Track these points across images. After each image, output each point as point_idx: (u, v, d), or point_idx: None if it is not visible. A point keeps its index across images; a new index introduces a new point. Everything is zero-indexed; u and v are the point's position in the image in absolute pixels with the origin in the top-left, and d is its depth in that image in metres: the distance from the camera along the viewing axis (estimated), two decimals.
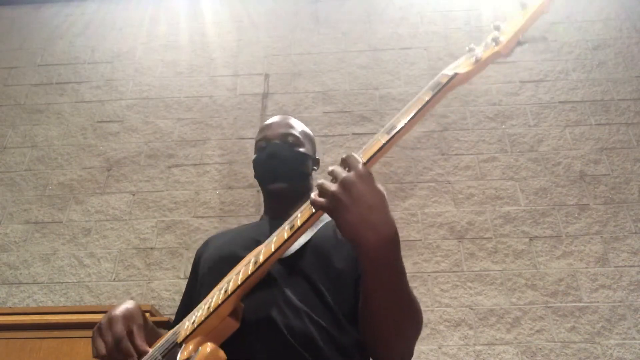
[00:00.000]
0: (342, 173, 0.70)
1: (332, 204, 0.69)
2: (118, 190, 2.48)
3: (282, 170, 1.08)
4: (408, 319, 0.80)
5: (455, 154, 2.46)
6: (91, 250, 2.30)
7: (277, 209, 1.10)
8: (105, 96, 2.83)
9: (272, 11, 3.13)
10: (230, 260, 0.91)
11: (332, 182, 0.71)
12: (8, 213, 2.44)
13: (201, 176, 2.49)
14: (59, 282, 2.21)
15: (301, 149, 1.13)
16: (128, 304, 0.85)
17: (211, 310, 0.75)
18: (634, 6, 2.91)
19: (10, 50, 3.08)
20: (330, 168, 0.73)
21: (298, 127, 1.18)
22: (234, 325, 0.75)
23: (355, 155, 0.72)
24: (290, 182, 1.08)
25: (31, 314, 1.88)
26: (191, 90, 2.81)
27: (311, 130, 1.24)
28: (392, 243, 0.71)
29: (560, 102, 2.58)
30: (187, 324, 0.80)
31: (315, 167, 1.20)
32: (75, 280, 2.21)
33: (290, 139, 1.12)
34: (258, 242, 0.94)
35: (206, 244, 1.14)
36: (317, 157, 1.22)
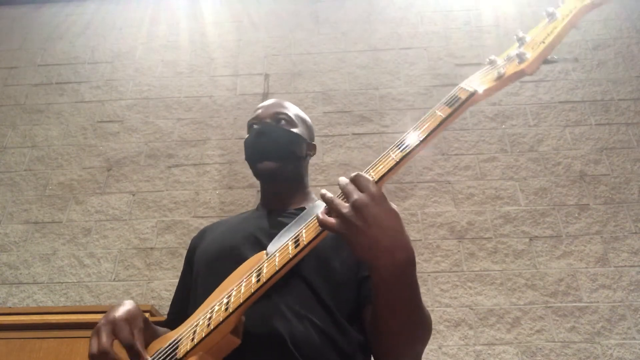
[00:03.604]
0: (354, 194, 0.66)
1: (343, 227, 0.66)
2: (118, 190, 2.48)
3: (271, 148, 1.03)
4: (419, 333, 0.79)
5: (455, 154, 2.45)
6: (91, 250, 2.30)
7: (271, 196, 1.07)
8: (105, 96, 2.83)
9: (272, 11, 3.13)
10: (228, 259, 0.89)
11: (342, 201, 0.68)
12: (8, 213, 2.44)
13: (201, 176, 2.49)
14: (59, 282, 2.21)
15: (293, 129, 1.08)
16: (129, 306, 0.81)
17: (212, 327, 0.73)
18: (634, 6, 2.91)
19: (10, 50, 3.08)
20: (340, 183, 0.70)
21: (292, 109, 1.13)
22: (235, 341, 0.74)
23: (366, 175, 0.69)
24: (280, 162, 1.03)
25: (31, 314, 1.88)
26: (191, 90, 2.81)
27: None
28: (408, 266, 0.68)
29: (560, 102, 2.58)
30: (187, 338, 0.78)
31: (311, 153, 1.15)
32: (75, 280, 2.21)
33: (282, 117, 1.08)
34: (256, 238, 0.92)
35: (202, 234, 1.11)
36: (313, 143, 1.17)
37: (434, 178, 2.39)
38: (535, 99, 2.60)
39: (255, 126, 1.09)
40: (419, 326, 0.78)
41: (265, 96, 2.73)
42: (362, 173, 0.69)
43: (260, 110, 1.11)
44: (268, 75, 2.83)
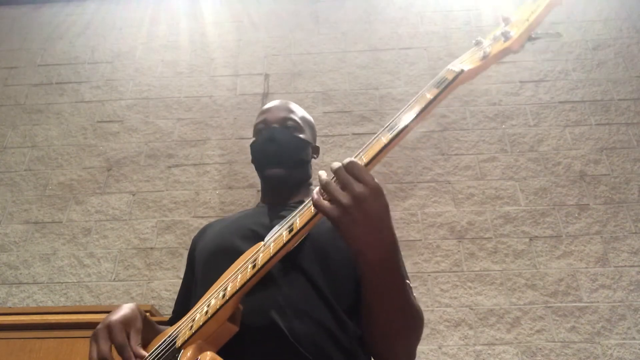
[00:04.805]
0: (355, 186, 0.67)
1: (340, 214, 0.66)
2: (118, 190, 2.48)
3: (280, 155, 1.05)
4: (410, 323, 0.80)
5: (455, 154, 2.46)
6: (91, 250, 2.30)
7: (275, 195, 1.07)
8: (105, 96, 2.83)
9: (272, 11, 3.13)
10: (227, 254, 0.89)
11: (340, 189, 0.68)
12: (8, 213, 2.44)
13: (201, 176, 2.49)
14: (59, 282, 2.21)
15: (301, 135, 1.09)
16: (125, 309, 0.83)
17: (209, 315, 0.74)
18: (634, 6, 2.91)
19: (10, 50, 3.08)
20: (333, 167, 0.69)
21: (298, 112, 1.14)
22: (233, 329, 0.75)
23: (361, 165, 0.69)
24: (289, 169, 1.05)
25: (31, 314, 1.88)
26: (191, 90, 2.81)
27: None
28: (394, 254, 0.72)
29: (560, 102, 2.58)
30: (185, 328, 0.78)
31: (315, 155, 1.17)
32: (75, 280, 2.21)
33: (290, 124, 1.09)
34: (255, 232, 0.92)
35: (202, 232, 1.11)
36: (317, 145, 1.18)
37: (434, 178, 2.39)
38: (535, 99, 2.60)
39: (263, 130, 1.09)
40: (408, 315, 0.79)
41: (265, 96, 2.73)
42: (357, 161, 0.69)
43: (267, 114, 1.11)
44: (268, 75, 2.83)
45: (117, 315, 0.81)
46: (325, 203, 0.68)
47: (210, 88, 2.81)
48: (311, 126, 1.17)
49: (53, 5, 3.30)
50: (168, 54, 2.98)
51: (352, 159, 0.70)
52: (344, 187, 0.67)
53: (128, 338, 0.79)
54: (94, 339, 0.78)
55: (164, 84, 2.85)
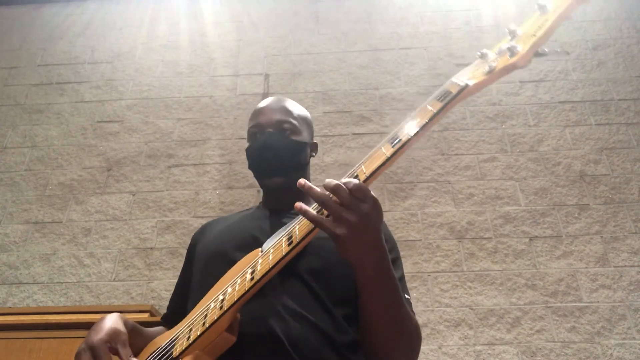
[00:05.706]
0: (361, 206, 0.67)
1: (345, 232, 0.66)
2: (118, 190, 2.48)
3: (277, 163, 1.00)
4: (407, 336, 0.81)
5: (455, 154, 2.45)
6: (91, 250, 2.30)
7: (275, 202, 1.05)
8: (105, 96, 2.83)
9: (272, 11, 3.12)
10: (226, 258, 0.89)
11: (344, 207, 0.67)
12: (8, 213, 2.44)
13: (201, 176, 2.49)
14: (59, 282, 2.21)
15: (298, 138, 1.04)
16: (108, 322, 0.81)
17: (207, 326, 0.74)
18: (634, 6, 2.91)
19: (10, 50, 3.08)
20: (331, 185, 0.68)
21: (294, 111, 1.07)
22: (230, 339, 0.74)
23: (365, 187, 0.68)
24: (287, 176, 1.01)
25: (31, 314, 1.88)
26: (191, 90, 2.81)
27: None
28: (388, 263, 0.74)
29: (560, 102, 2.58)
30: (182, 338, 0.78)
31: (314, 153, 1.12)
32: (75, 280, 2.21)
33: (286, 126, 1.03)
34: (255, 239, 0.91)
35: (202, 230, 1.10)
36: (315, 142, 1.14)
37: (434, 178, 2.39)
38: (535, 99, 2.60)
39: (257, 135, 1.04)
40: (407, 327, 0.80)
41: (265, 96, 2.73)
42: (358, 182, 0.68)
43: (261, 117, 1.05)
44: (268, 75, 2.83)
45: (100, 334, 0.78)
46: (327, 220, 0.67)
47: (210, 88, 2.81)
48: (308, 123, 1.12)
49: (53, 5, 3.30)
50: (168, 54, 2.98)
51: (354, 180, 0.68)
52: (349, 206, 0.67)
53: (118, 352, 0.77)
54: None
55: (164, 84, 2.85)
